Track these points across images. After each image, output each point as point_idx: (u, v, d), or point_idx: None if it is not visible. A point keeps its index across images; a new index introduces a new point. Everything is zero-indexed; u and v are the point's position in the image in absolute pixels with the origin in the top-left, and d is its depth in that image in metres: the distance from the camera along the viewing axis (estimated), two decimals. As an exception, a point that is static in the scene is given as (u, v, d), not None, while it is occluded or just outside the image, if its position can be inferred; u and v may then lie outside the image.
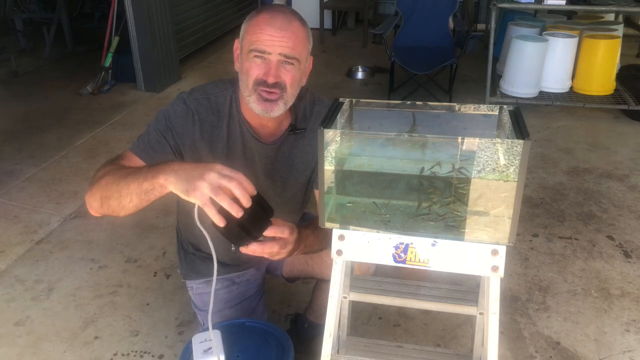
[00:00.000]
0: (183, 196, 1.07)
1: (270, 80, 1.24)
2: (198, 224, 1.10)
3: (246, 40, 1.26)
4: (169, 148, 1.33)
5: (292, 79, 1.26)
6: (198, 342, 1.25)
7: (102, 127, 3.81)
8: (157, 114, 1.37)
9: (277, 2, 6.53)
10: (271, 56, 1.23)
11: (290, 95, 1.29)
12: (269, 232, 1.16)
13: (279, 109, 1.28)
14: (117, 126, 3.84)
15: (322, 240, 1.37)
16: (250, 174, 1.42)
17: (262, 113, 1.28)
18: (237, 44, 1.31)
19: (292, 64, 1.25)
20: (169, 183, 1.09)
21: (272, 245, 1.19)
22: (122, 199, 1.19)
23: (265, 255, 1.20)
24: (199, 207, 1.07)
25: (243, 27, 1.28)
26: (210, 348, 1.22)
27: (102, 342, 1.94)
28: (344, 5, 6.51)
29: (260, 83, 1.25)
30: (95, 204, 1.25)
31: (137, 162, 1.32)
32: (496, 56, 4.51)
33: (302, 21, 1.28)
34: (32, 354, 1.90)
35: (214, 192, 1.03)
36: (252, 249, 1.16)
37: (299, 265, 1.66)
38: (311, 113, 1.43)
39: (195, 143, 1.35)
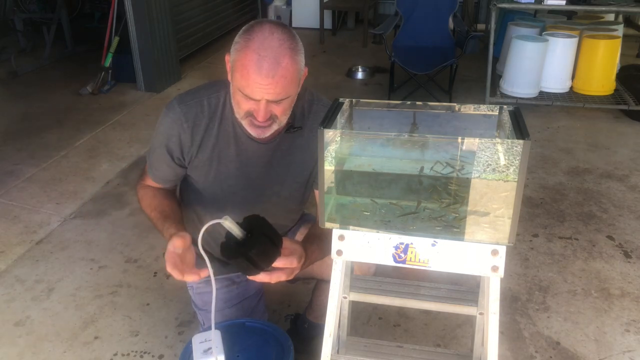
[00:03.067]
0: None
1: (260, 119, 1.25)
2: (201, 251, 1.11)
3: (235, 76, 1.23)
4: (165, 166, 1.43)
5: (283, 110, 1.27)
6: (198, 342, 1.25)
7: (102, 127, 3.81)
8: (156, 126, 1.42)
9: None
10: (259, 101, 1.22)
11: (283, 119, 1.31)
12: (278, 264, 1.17)
13: (272, 131, 1.31)
14: (117, 126, 3.84)
15: (325, 251, 1.37)
16: (244, 175, 1.43)
17: (256, 136, 1.32)
18: (228, 57, 1.28)
19: (280, 102, 1.24)
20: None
21: (279, 275, 1.20)
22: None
23: (272, 282, 1.22)
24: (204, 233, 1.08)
25: (233, 54, 1.23)
26: (210, 348, 1.22)
27: (102, 342, 1.94)
28: (344, 5, 6.50)
29: (251, 115, 1.27)
30: None
31: (154, 183, 1.49)
32: (496, 56, 4.51)
33: (292, 48, 1.21)
34: (32, 354, 1.90)
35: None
36: (260, 278, 1.17)
37: (299, 265, 1.66)
38: (309, 112, 1.43)
39: (185, 149, 1.39)
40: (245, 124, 1.30)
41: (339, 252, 1.11)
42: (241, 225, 1.10)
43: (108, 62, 4.45)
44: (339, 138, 1.07)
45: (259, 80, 1.18)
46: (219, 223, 1.05)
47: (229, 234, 1.09)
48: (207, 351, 1.21)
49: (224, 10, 5.90)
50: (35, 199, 2.88)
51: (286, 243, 1.20)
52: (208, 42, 5.62)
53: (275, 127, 1.30)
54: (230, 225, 1.06)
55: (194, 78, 4.84)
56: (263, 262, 1.11)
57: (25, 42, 5.50)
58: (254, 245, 1.07)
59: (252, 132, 1.31)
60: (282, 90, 1.21)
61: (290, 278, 1.23)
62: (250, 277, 1.16)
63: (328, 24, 6.51)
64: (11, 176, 3.10)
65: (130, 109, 4.16)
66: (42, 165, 3.24)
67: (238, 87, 1.23)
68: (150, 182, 1.49)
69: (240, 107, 1.27)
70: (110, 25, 4.43)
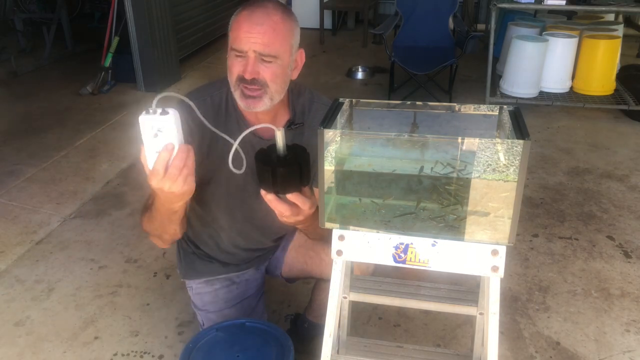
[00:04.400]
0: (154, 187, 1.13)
1: (247, 76, 1.25)
2: (237, 147, 1.12)
3: (229, 37, 1.27)
4: None
5: (273, 74, 1.27)
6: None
7: (102, 127, 3.81)
8: None
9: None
10: (248, 53, 1.24)
11: (275, 91, 1.30)
12: (292, 197, 1.16)
13: (264, 105, 1.30)
14: (117, 126, 3.84)
15: (319, 233, 1.36)
16: (249, 171, 1.42)
17: (246, 108, 1.31)
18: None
19: (269, 61, 1.25)
20: (157, 198, 1.21)
21: (285, 208, 1.17)
22: (164, 234, 1.36)
23: (275, 211, 1.19)
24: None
25: (230, 24, 1.29)
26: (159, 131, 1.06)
27: (102, 342, 1.95)
28: (344, 5, 6.51)
29: (242, 80, 1.26)
30: (158, 242, 1.42)
31: None
32: (496, 56, 4.51)
33: (286, 15, 1.26)
34: (32, 354, 1.90)
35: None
36: (268, 199, 1.15)
37: (298, 265, 1.66)
38: (309, 110, 1.44)
39: (194, 148, 1.37)
40: (237, 95, 1.30)
41: (339, 252, 1.11)
42: (287, 146, 1.11)
43: (108, 62, 4.45)
44: (339, 138, 1.07)
45: (248, 29, 1.22)
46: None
47: (272, 146, 1.12)
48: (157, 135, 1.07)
49: (224, 10, 5.90)
50: (35, 199, 2.88)
51: (307, 189, 1.19)
52: (208, 42, 5.62)
53: (266, 100, 1.29)
54: (280, 137, 1.08)
55: (194, 78, 4.84)
56: (282, 185, 1.12)
57: (25, 42, 5.50)
58: (285, 165, 1.09)
59: (243, 104, 1.30)
60: (270, 42, 1.23)
61: (290, 220, 1.21)
62: (262, 191, 1.15)
63: (328, 24, 6.51)
64: (11, 176, 3.10)
65: (130, 109, 4.16)
66: (42, 165, 3.24)
67: (230, 46, 1.26)
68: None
69: (232, 72, 1.27)
70: (110, 25, 4.43)
